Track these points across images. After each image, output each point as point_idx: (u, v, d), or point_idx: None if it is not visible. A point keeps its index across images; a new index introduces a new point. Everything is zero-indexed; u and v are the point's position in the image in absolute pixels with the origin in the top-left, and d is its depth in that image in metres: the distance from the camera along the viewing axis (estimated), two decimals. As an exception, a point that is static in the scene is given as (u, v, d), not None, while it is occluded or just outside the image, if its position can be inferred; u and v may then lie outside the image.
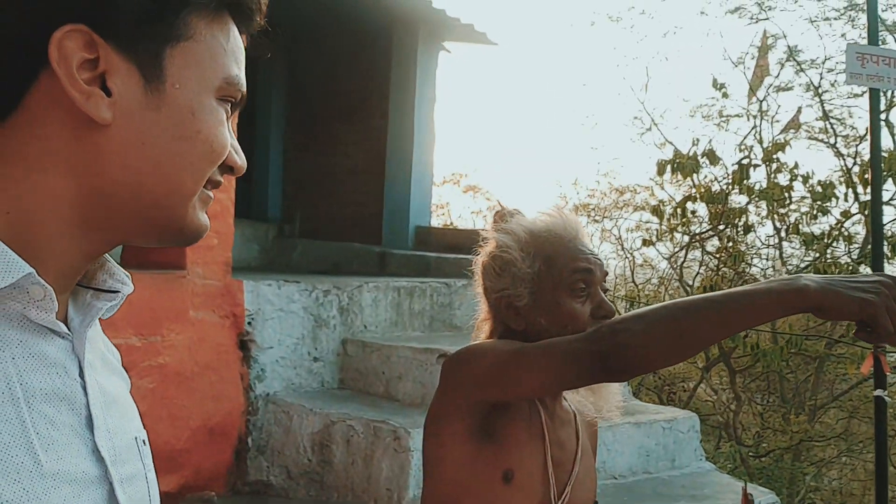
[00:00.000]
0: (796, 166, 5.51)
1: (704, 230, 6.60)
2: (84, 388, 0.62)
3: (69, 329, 0.63)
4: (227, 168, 0.67)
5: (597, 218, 9.96)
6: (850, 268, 5.69)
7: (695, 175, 5.71)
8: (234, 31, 0.67)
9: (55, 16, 0.57)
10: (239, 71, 0.66)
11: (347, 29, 6.19)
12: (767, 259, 7.57)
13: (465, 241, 5.59)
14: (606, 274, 1.25)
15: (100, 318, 0.73)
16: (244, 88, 0.68)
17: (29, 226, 0.59)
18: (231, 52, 0.66)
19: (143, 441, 0.71)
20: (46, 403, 0.58)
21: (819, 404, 7.54)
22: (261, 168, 6.73)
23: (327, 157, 6.54)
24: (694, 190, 5.97)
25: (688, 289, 6.94)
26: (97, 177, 0.60)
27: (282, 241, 6.60)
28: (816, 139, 8.03)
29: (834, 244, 5.90)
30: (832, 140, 7.38)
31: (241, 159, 0.68)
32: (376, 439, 3.39)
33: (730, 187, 5.82)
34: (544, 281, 1.22)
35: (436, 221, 9.35)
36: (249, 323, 3.66)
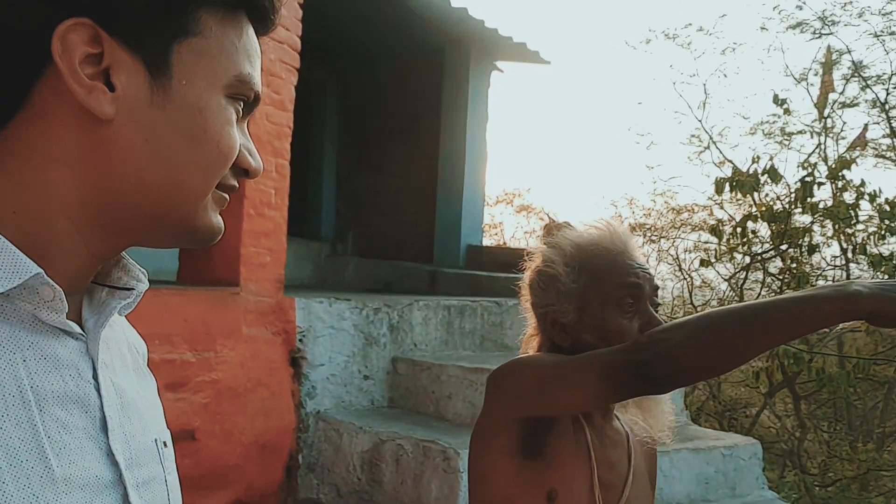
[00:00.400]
0: (863, 184, 5.30)
1: (766, 250, 6.39)
2: (98, 390, 0.61)
3: (83, 329, 0.62)
4: (241, 171, 0.66)
5: (653, 238, 9.76)
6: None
7: (755, 193, 5.54)
8: (249, 30, 0.65)
9: (60, 9, 0.56)
10: (252, 69, 0.65)
11: (400, 50, 6.25)
12: (833, 280, 7.29)
13: (516, 259, 5.49)
14: (657, 288, 1.21)
15: (126, 317, 0.72)
16: (258, 87, 0.66)
17: (37, 224, 0.58)
18: (244, 50, 0.64)
19: (164, 443, 0.69)
20: (58, 406, 0.57)
21: (888, 432, 7.19)
22: (314, 188, 6.83)
23: (380, 176, 6.60)
24: (754, 209, 5.79)
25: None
26: (103, 174, 0.59)
27: (334, 259, 6.67)
28: (884, 157, 7.74)
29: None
30: (901, 157, 7.09)
31: (255, 161, 0.66)
32: (426, 459, 3.35)
33: (792, 206, 5.63)
34: (590, 296, 1.18)
35: (489, 241, 9.32)
36: (301, 340, 3.68)
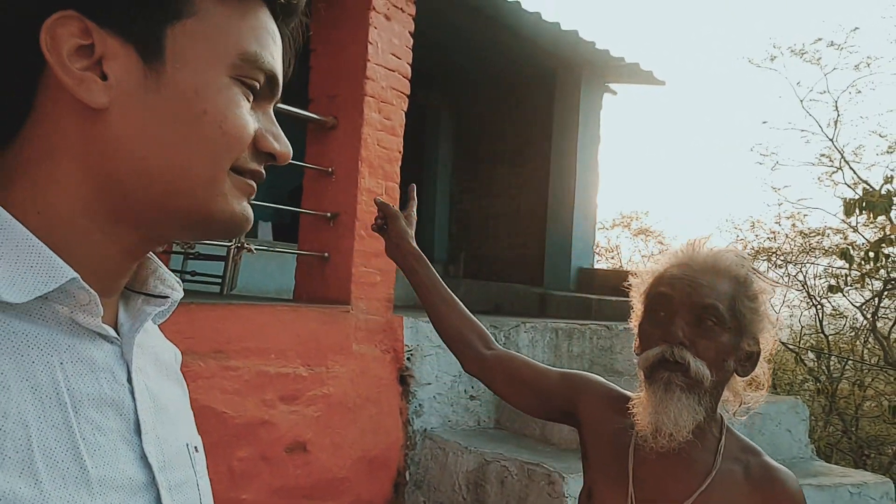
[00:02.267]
0: None
1: (902, 276, 5.94)
2: (132, 394, 0.61)
3: (119, 333, 0.63)
4: (266, 156, 0.64)
5: (779, 263, 9.28)
6: None
7: (889, 214, 5.17)
8: (261, 14, 0.64)
9: (47, 4, 0.55)
10: (261, 49, 0.62)
11: (511, 75, 6.32)
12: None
13: (628, 283, 5.41)
14: (700, 304, 1.20)
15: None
16: (273, 69, 0.63)
17: (60, 224, 0.58)
18: (250, 30, 0.62)
19: (196, 448, 0.70)
20: (94, 409, 0.57)
21: None
22: (427, 210, 6.98)
23: (491, 199, 6.66)
24: (889, 231, 5.40)
25: (883, 341, 6.23)
26: (107, 165, 0.58)
27: (446, 280, 6.74)
28: None
29: None
30: None
31: (280, 145, 0.64)
32: (530, 482, 3.33)
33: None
34: (637, 303, 1.31)
35: (604, 264, 9.16)
36: (409, 358, 3.76)
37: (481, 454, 3.56)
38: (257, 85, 0.63)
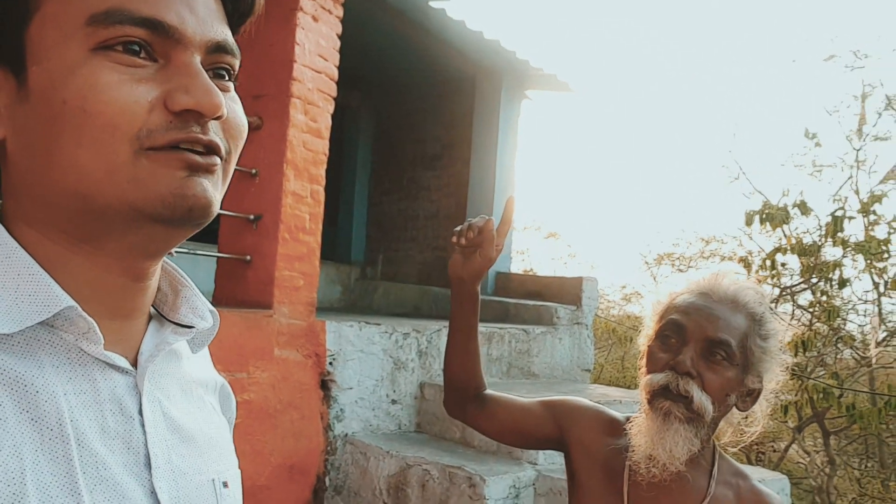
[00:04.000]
0: (895, 219, 5.26)
1: (796, 283, 6.35)
2: (143, 426, 0.58)
3: (138, 361, 0.61)
4: (190, 114, 0.54)
5: (680, 268, 9.73)
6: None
7: (785, 226, 5.53)
8: None
9: None
10: (123, 0, 0.53)
11: (432, 79, 6.36)
12: (865, 315, 7.19)
13: (544, 288, 5.57)
14: (713, 338, 1.21)
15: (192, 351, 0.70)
16: (154, 15, 0.54)
17: (48, 255, 0.56)
18: None
19: (224, 483, 0.66)
20: (99, 442, 0.55)
21: (923, 472, 7.03)
22: (345, 212, 6.93)
23: (410, 202, 6.69)
24: (784, 241, 5.77)
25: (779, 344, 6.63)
26: (28, 190, 0.56)
27: (364, 283, 6.74)
28: (918, 190, 7.64)
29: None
30: (935, 191, 7.01)
31: (193, 96, 0.54)
32: (451, 485, 3.37)
33: (823, 239, 5.61)
34: (650, 325, 1.32)
35: (517, 267, 9.35)
36: (331, 363, 3.74)
37: (402, 458, 3.58)
38: (135, 42, 0.54)
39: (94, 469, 0.54)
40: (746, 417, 1.32)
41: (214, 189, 0.57)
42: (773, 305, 6.44)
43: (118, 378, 0.58)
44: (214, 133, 0.57)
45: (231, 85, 0.61)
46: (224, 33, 0.60)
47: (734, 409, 1.28)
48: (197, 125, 0.55)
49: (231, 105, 0.60)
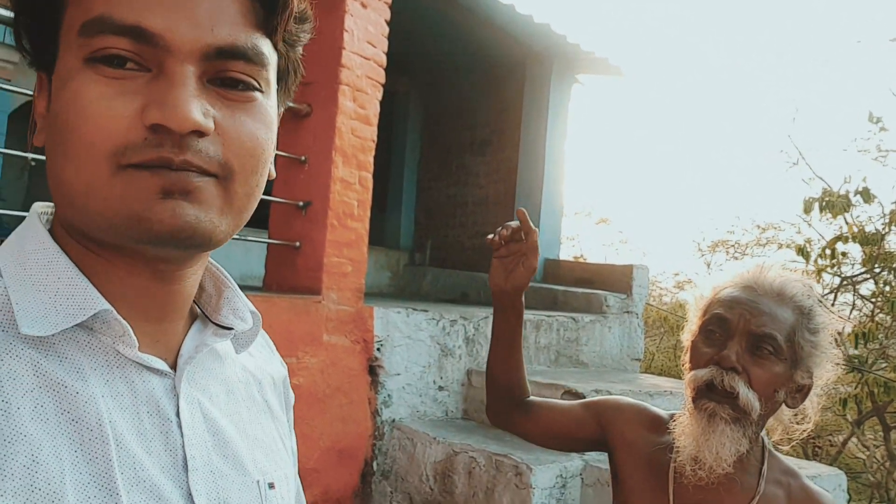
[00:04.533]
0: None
1: (857, 273, 6.13)
2: (180, 427, 0.58)
3: (177, 363, 0.61)
4: (160, 130, 0.51)
5: (736, 255, 9.51)
6: None
7: (847, 214, 5.33)
8: None
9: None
10: (111, 7, 0.51)
11: (482, 64, 6.31)
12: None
13: (593, 275, 5.50)
14: (758, 333, 1.17)
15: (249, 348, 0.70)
16: (139, 23, 0.51)
17: (84, 263, 0.57)
18: None
19: (270, 484, 0.65)
20: (137, 443, 0.55)
21: None
22: (394, 198, 6.96)
23: (459, 187, 6.67)
24: (845, 229, 5.57)
25: (837, 337, 6.44)
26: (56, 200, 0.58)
27: (412, 269, 6.76)
28: None
29: None
30: None
31: (162, 111, 0.51)
32: (498, 473, 3.37)
33: (886, 228, 5.39)
34: (693, 320, 1.28)
35: (566, 253, 9.26)
36: (378, 349, 3.76)
37: (449, 445, 3.58)
38: (118, 53, 0.52)
39: (131, 470, 0.54)
40: (797, 415, 1.27)
41: (205, 211, 0.54)
42: (831, 297, 6.26)
43: (155, 380, 0.59)
44: (205, 151, 0.53)
45: (248, 95, 0.57)
46: (234, 37, 0.54)
47: (783, 407, 1.23)
48: (171, 143, 0.51)
49: (239, 120, 0.56)
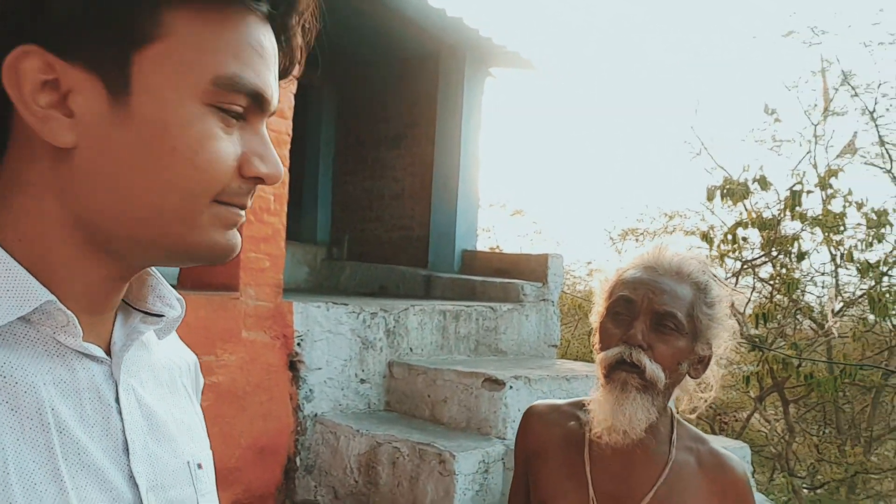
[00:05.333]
0: (850, 193, 5.41)
1: (756, 256, 6.49)
2: (120, 413, 0.60)
3: (111, 351, 0.62)
4: (254, 179, 0.60)
5: (644, 242, 9.88)
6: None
7: (746, 201, 5.64)
8: (241, 23, 0.58)
9: (5, 39, 0.53)
10: (241, 69, 0.57)
11: (396, 57, 6.32)
12: (823, 287, 7.40)
13: (510, 265, 5.61)
14: (661, 311, 1.25)
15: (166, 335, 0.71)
16: (259, 88, 0.59)
17: (42, 250, 0.57)
18: (228, 46, 0.57)
19: (199, 465, 0.68)
20: (79, 429, 0.56)
21: (875, 435, 7.30)
22: (310, 192, 6.88)
23: (375, 181, 6.66)
24: (745, 216, 5.89)
25: (739, 316, 6.83)
26: (82, 202, 0.56)
27: (330, 263, 6.71)
28: (873, 164, 7.86)
29: (890, 272, 5.74)
30: (888, 166, 7.21)
31: (268, 166, 0.60)
32: (422, 462, 3.41)
33: (781, 213, 5.74)
34: (600, 303, 1.35)
35: (482, 245, 9.39)
36: (299, 344, 3.74)
37: (373, 436, 3.60)
38: (239, 109, 0.58)
39: (75, 455, 0.56)
40: (700, 384, 1.36)
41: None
42: (733, 280, 6.60)
43: (95, 367, 0.60)
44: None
45: None
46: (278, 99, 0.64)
47: (687, 378, 1.32)
48: (249, 190, 0.61)
49: None
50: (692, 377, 1.32)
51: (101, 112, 0.55)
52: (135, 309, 0.67)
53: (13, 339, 0.55)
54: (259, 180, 0.61)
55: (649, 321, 1.25)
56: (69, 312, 0.57)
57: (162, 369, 0.70)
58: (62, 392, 0.56)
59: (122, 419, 0.60)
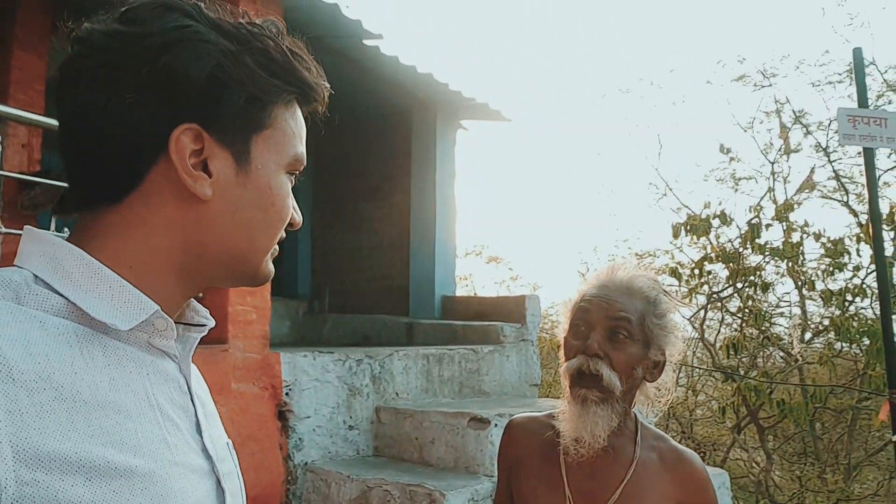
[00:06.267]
0: (806, 224, 5.69)
1: (723, 289, 6.71)
2: (192, 401, 0.77)
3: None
4: (287, 225, 0.81)
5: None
6: (872, 322, 5.75)
7: (708, 236, 5.89)
8: (299, 112, 0.81)
9: (176, 116, 0.71)
10: (303, 148, 0.81)
11: (370, 113, 6.55)
12: (789, 317, 7.63)
13: (489, 308, 5.76)
14: (615, 319, 1.41)
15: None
16: (305, 161, 0.82)
17: (147, 275, 0.73)
18: (298, 133, 0.80)
19: (232, 446, 0.86)
20: (172, 410, 0.73)
21: (854, 463, 7.43)
22: (290, 247, 7.00)
23: (353, 233, 6.82)
24: (709, 250, 6.13)
25: (710, 348, 7.01)
26: (198, 240, 0.74)
27: (312, 316, 6.81)
28: (830, 198, 8.20)
29: (853, 300, 5.98)
30: (844, 198, 7.55)
31: (298, 216, 0.82)
32: (412, 503, 3.49)
33: (742, 246, 5.99)
34: (564, 320, 1.50)
35: (461, 292, 9.53)
36: (287, 393, 3.82)
37: (363, 481, 3.67)
38: (298, 175, 0.82)
39: (172, 430, 0.72)
40: (659, 389, 1.51)
41: None
42: (701, 314, 6.77)
43: (170, 364, 0.77)
44: None
45: None
46: None
47: (645, 382, 1.47)
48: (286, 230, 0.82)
49: None
50: (648, 381, 1.47)
51: (229, 175, 0.74)
52: (176, 322, 0.81)
53: (127, 340, 0.71)
54: (290, 226, 0.82)
55: (604, 331, 1.41)
56: (170, 319, 0.73)
57: (195, 369, 0.86)
58: (158, 381, 0.73)
59: (194, 405, 0.77)
